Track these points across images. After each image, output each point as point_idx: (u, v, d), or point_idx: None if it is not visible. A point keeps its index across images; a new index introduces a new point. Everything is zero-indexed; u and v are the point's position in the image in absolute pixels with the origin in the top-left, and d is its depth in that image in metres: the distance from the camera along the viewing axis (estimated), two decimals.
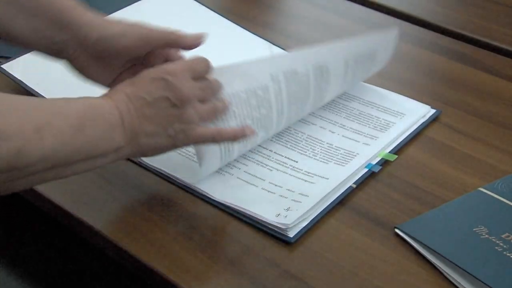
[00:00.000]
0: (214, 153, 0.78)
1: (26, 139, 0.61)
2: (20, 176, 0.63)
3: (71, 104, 0.68)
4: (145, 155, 0.74)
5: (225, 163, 0.82)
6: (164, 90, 0.70)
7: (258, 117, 0.80)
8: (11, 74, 0.93)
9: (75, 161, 0.66)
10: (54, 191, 0.79)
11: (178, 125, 0.71)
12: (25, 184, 0.65)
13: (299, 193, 0.79)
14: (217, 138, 0.75)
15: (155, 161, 0.83)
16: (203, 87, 0.73)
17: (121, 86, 0.72)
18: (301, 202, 0.78)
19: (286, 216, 0.75)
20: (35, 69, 0.95)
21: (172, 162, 0.82)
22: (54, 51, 0.78)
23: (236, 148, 0.81)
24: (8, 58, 0.96)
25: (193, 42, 0.77)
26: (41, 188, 0.79)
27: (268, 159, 0.85)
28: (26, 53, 0.97)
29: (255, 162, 0.84)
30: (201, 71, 0.74)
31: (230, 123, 0.77)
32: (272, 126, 0.83)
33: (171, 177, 0.81)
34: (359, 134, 0.89)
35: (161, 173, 0.82)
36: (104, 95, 0.71)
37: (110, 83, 0.79)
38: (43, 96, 0.90)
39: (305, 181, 0.81)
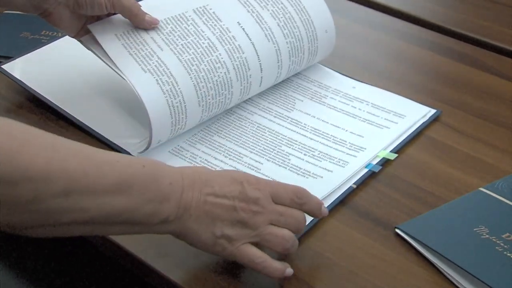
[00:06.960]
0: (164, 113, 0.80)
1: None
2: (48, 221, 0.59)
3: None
4: (186, 241, 0.67)
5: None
6: (236, 194, 0.66)
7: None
8: (11, 74, 0.93)
9: (112, 222, 0.62)
10: None
11: (228, 231, 0.66)
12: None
13: None
14: (259, 269, 0.67)
15: None
16: (282, 212, 0.68)
17: (197, 167, 0.68)
18: None
19: None
20: (35, 69, 0.95)
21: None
22: (33, 6, 0.82)
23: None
24: (8, 58, 0.96)
25: (146, 26, 0.84)
26: None
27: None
28: (26, 53, 0.97)
29: (255, 161, 0.84)
30: (283, 199, 0.68)
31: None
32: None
33: None
34: (359, 134, 0.88)
35: None
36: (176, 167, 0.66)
37: (78, 33, 0.85)
38: (42, 96, 0.90)
39: (306, 179, 0.81)
